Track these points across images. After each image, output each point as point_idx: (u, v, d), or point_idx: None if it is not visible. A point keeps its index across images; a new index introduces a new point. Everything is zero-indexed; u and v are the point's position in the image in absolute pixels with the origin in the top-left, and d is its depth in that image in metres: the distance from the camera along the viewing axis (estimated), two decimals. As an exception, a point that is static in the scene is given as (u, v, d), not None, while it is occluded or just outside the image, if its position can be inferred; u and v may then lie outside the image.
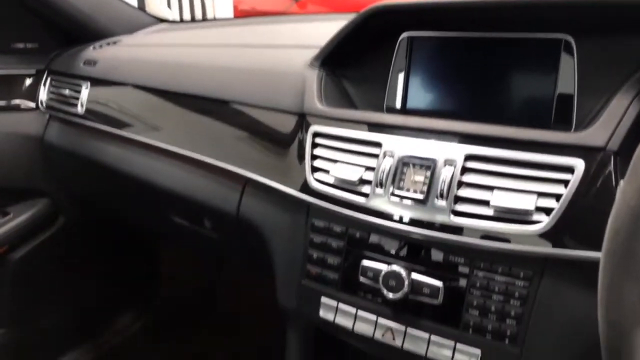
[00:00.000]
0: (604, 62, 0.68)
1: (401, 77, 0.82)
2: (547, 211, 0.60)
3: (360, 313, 0.72)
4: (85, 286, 1.49)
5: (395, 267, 0.68)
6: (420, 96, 0.81)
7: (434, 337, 0.67)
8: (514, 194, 0.62)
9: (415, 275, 0.67)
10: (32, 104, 1.27)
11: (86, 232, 1.43)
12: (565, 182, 0.60)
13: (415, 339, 0.68)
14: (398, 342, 0.69)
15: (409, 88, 0.82)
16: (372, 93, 0.85)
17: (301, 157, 0.80)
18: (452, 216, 0.65)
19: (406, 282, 0.67)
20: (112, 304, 1.61)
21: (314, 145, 0.79)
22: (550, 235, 0.60)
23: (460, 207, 0.65)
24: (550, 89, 0.70)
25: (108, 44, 1.26)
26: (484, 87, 0.76)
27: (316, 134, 0.79)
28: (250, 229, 0.88)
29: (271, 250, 0.85)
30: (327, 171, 0.76)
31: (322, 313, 0.76)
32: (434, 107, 0.79)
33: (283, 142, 0.85)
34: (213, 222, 0.98)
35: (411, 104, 0.81)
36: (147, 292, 1.68)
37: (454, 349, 0.65)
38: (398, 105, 0.82)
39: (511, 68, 0.73)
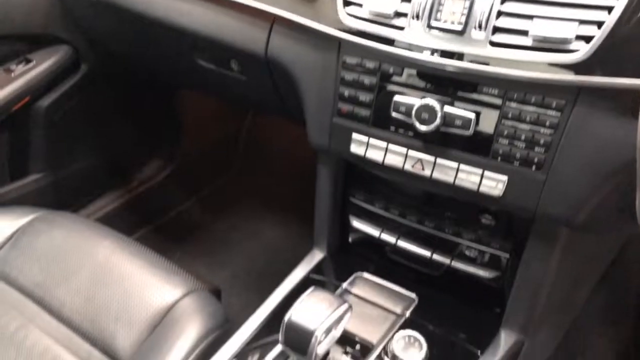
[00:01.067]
0: None
1: None
2: (587, 39, 0.60)
3: (391, 147, 0.75)
4: (113, 134, 1.54)
5: (428, 100, 0.70)
6: None
7: (462, 166, 0.70)
8: (555, 22, 0.62)
9: (448, 108, 0.69)
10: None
11: (109, 80, 1.43)
12: (609, 9, 0.59)
13: (445, 168, 0.72)
14: (427, 172, 0.73)
15: None
16: None
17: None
18: (489, 47, 0.65)
19: (439, 115, 0.69)
20: (140, 152, 1.67)
21: (347, -25, 0.76)
22: (588, 63, 0.60)
23: (498, 38, 0.65)
24: None
25: None
26: None
27: (350, -37, 0.76)
28: (279, 69, 0.89)
29: (301, 90, 0.86)
30: (360, 5, 0.75)
31: (354, 148, 0.79)
32: None
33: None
34: (240, 63, 0.99)
35: None
36: (172, 141, 1.73)
37: (482, 176, 0.69)
38: None
39: None
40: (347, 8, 0.76)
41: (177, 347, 0.82)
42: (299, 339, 0.66)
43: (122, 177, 1.63)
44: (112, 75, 1.43)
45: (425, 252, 0.83)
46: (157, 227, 1.66)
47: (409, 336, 0.73)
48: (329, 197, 0.90)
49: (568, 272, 0.74)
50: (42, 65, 1.28)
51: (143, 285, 0.92)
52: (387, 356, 0.72)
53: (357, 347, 0.75)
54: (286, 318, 0.67)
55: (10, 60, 1.25)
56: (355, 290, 0.84)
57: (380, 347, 0.74)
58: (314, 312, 0.67)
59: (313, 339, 0.65)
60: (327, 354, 0.71)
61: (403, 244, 0.85)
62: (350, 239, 0.94)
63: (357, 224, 0.90)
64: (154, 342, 0.85)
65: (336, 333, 0.69)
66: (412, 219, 0.83)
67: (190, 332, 0.84)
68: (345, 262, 0.92)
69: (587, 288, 0.84)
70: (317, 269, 0.90)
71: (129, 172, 1.65)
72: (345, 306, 0.69)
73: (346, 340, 0.74)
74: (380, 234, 0.87)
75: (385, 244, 0.87)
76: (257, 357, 0.74)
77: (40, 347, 0.88)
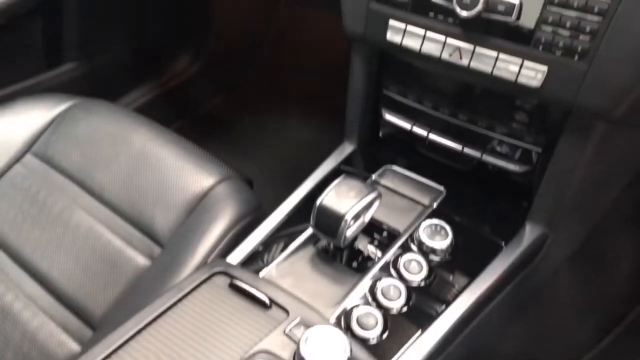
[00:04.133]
0: None
1: None
2: None
3: (429, 34, 0.73)
4: (145, 24, 1.53)
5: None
6: None
7: (502, 55, 0.68)
8: None
9: (491, -8, 0.66)
10: None
11: None
12: None
13: (483, 57, 0.69)
14: (465, 61, 0.71)
15: None
16: None
17: None
18: None
19: (481, -1, 0.66)
20: (170, 48, 1.66)
21: None
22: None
23: None
24: None
25: None
26: None
27: None
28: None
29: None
30: None
31: (390, 36, 0.77)
32: None
33: None
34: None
35: None
36: (201, 39, 1.71)
37: (521, 66, 0.67)
38: None
39: None
40: None
41: (212, 230, 0.86)
42: (329, 223, 0.68)
43: (155, 70, 1.63)
44: None
45: (457, 146, 0.83)
46: (186, 122, 1.68)
47: (436, 225, 0.75)
48: (362, 88, 0.89)
49: (599, 169, 0.73)
50: None
51: (179, 171, 0.96)
52: (414, 243, 0.75)
53: (385, 234, 0.77)
54: (317, 202, 0.69)
55: None
56: (384, 181, 0.85)
57: (407, 234, 0.76)
58: (345, 197, 0.69)
59: (343, 223, 0.67)
60: (355, 239, 0.74)
61: (435, 137, 0.84)
62: (381, 133, 0.94)
63: (389, 116, 0.89)
64: (190, 224, 0.90)
65: (365, 219, 0.72)
66: (444, 111, 0.82)
67: (224, 216, 0.88)
68: (376, 154, 0.92)
69: (616, 188, 0.83)
70: (348, 160, 0.91)
71: (161, 65, 1.65)
72: (374, 194, 0.71)
73: (374, 227, 0.77)
74: (412, 127, 0.86)
75: (417, 137, 0.86)
76: (286, 242, 0.77)
77: (85, 226, 0.93)
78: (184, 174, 0.95)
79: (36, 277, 0.89)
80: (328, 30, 0.87)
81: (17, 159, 1.06)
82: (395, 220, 0.78)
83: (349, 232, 0.69)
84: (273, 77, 1.83)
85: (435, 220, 0.76)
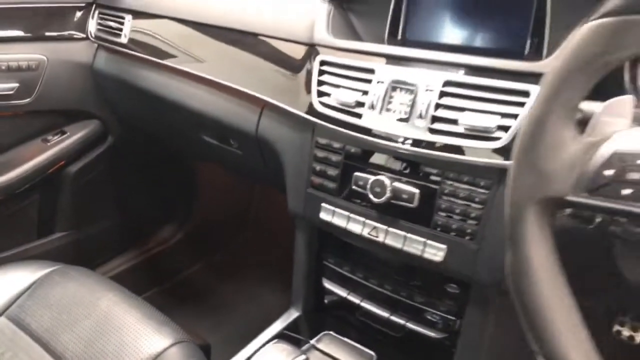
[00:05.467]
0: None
1: (404, 9, 0.91)
2: (506, 129, 0.71)
3: (352, 215, 0.86)
4: (132, 198, 1.70)
5: (380, 177, 0.81)
6: (418, 28, 0.90)
7: (409, 235, 0.80)
8: (481, 114, 0.73)
9: (396, 184, 0.80)
10: (83, 35, 1.42)
11: (133, 151, 1.61)
12: (522, 104, 0.70)
13: (395, 235, 0.81)
14: (381, 239, 0.83)
15: (408, 20, 0.91)
16: (375, 25, 0.95)
17: (309, 83, 0.92)
18: (429, 133, 0.77)
19: (388, 189, 0.80)
20: (156, 216, 1.82)
21: (321, 72, 0.91)
22: (508, 149, 0.71)
23: (436, 126, 0.76)
24: (526, 26, 0.79)
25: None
26: (472, 20, 0.85)
27: (323, 62, 0.91)
28: (267, 146, 1.02)
29: (284, 163, 0.99)
30: (329, 95, 0.88)
31: (323, 215, 0.90)
32: (428, 38, 0.89)
33: (295, 69, 0.97)
34: (237, 140, 1.13)
35: (410, 35, 0.91)
36: (186, 208, 1.88)
37: (425, 244, 0.79)
38: (398, 36, 0.92)
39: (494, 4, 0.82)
40: (320, 98, 0.90)
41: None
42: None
43: (139, 239, 1.77)
44: (135, 146, 1.60)
45: (384, 313, 0.91)
46: (165, 288, 1.77)
47: (361, 388, 0.81)
48: (305, 259, 1.00)
49: (504, 338, 0.81)
50: (74, 136, 1.46)
51: (136, 335, 1.02)
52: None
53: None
54: (247, 364, 0.76)
55: (48, 132, 1.44)
56: (321, 346, 0.92)
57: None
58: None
59: (268, 384, 0.73)
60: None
61: (366, 305, 0.93)
62: (326, 300, 1.03)
63: (328, 285, 0.99)
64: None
65: (293, 381, 0.77)
66: (373, 282, 0.92)
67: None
68: (319, 321, 1.00)
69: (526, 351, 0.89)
70: (293, 326, 0.99)
71: (145, 234, 1.79)
72: (302, 357, 0.78)
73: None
74: (347, 295, 0.95)
75: (352, 305, 0.95)
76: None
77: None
78: (140, 337, 1.01)
79: None
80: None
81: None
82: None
83: (277, 394, 0.75)
84: (252, 249, 1.96)
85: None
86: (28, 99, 1.37)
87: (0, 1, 1.29)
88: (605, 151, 0.46)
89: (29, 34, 1.35)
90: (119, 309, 1.09)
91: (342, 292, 0.97)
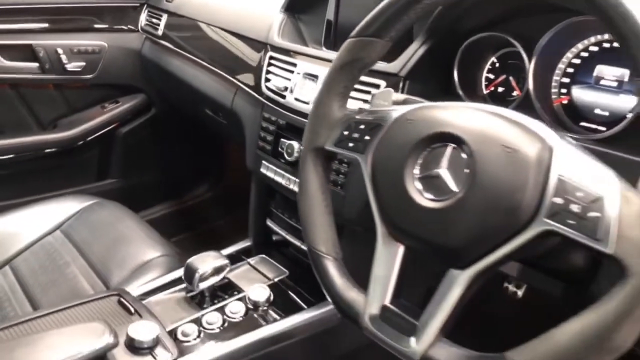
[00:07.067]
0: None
1: (333, 21, 1.22)
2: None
3: (277, 169, 1.19)
4: (172, 159, 2.12)
5: (292, 142, 1.13)
6: (342, 35, 1.21)
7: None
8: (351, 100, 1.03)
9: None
10: (135, 27, 1.86)
11: (172, 120, 2.03)
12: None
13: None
14: (292, 187, 1.15)
15: (337, 29, 1.22)
16: (318, 31, 1.27)
17: (261, 72, 1.26)
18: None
19: (296, 151, 1.12)
20: (192, 176, 2.24)
21: (269, 64, 1.24)
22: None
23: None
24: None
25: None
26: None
27: (271, 57, 1.24)
28: (237, 117, 1.38)
29: (245, 131, 1.33)
30: (270, 80, 1.22)
31: (262, 170, 1.24)
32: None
33: (256, 61, 1.31)
34: (222, 113, 1.50)
35: (339, 39, 1.22)
36: (218, 172, 2.28)
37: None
38: (330, 39, 1.24)
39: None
40: (266, 83, 1.23)
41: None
42: (189, 275, 1.10)
43: (176, 192, 2.20)
44: (173, 116, 2.02)
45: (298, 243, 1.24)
46: (192, 235, 2.18)
47: (262, 287, 1.14)
48: (256, 204, 1.34)
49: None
50: (125, 105, 1.91)
51: (137, 248, 1.42)
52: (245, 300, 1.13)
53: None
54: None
55: (105, 101, 1.90)
56: (252, 261, 1.26)
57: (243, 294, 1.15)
58: (206, 261, 1.11)
59: (197, 275, 1.09)
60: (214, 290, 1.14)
61: (296, 242, 1.26)
62: (273, 238, 1.37)
63: (271, 224, 1.33)
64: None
65: (217, 277, 1.12)
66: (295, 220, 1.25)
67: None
68: (266, 252, 1.34)
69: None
70: (243, 252, 1.34)
71: (181, 189, 2.21)
72: (224, 261, 1.12)
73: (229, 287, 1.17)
74: (286, 235, 1.28)
75: (287, 242, 1.28)
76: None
77: (71, 273, 1.40)
78: (140, 249, 1.41)
79: (32, 303, 1.35)
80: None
81: (50, 233, 1.58)
82: (242, 284, 1.18)
83: (203, 284, 1.10)
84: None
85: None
86: (91, 75, 1.82)
87: (75, 2, 1.75)
88: None
89: (94, 26, 1.81)
90: (132, 231, 1.50)
91: (281, 232, 1.30)
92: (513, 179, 0.58)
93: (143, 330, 0.95)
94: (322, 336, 1.12)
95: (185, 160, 2.17)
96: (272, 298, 1.12)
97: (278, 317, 1.09)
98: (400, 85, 0.97)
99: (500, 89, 0.98)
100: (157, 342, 0.95)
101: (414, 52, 0.97)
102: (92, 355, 0.87)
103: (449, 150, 0.64)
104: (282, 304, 1.13)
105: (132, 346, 0.94)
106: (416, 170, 0.66)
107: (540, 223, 0.56)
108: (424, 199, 0.65)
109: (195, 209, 2.23)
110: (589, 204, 0.54)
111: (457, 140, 0.63)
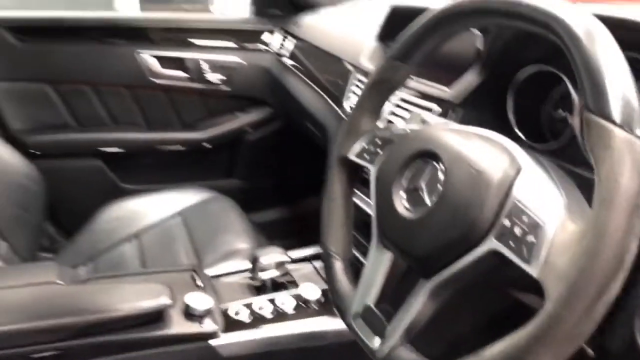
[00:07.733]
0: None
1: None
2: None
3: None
4: (290, 170, 2.32)
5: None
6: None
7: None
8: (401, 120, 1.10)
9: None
10: (267, 48, 2.10)
11: (292, 133, 2.22)
12: None
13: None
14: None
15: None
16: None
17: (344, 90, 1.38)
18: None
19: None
20: (305, 185, 2.40)
21: (353, 84, 1.35)
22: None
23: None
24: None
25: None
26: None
27: (357, 79, 1.35)
28: (326, 131, 1.50)
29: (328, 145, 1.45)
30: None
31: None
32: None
33: (345, 81, 1.43)
34: (316, 127, 1.64)
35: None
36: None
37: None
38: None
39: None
40: (346, 101, 1.34)
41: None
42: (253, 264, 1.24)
43: (289, 200, 2.38)
44: (292, 129, 2.22)
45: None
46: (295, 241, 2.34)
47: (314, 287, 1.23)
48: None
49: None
50: (254, 115, 2.16)
51: (234, 237, 1.61)
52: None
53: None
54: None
55: (238, 110, 2.16)
56: (317, 264, 1.36)
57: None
58: (269, 255, 1.25)
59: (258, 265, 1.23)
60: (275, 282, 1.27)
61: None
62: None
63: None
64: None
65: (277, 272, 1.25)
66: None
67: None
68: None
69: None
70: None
71: (295, 198, 2.39)
72: (286, 258, 1.25)
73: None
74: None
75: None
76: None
77: (176, 253, 1.64)
78: (235, 238, 1.60)
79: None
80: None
81: (172, 217, 1.86)
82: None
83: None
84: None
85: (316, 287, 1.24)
86: (228, 87, 2.09)
87: (221, 24, 2.04)
88: None
89: (235, 46, 2.08)
90: (234, 224, 1.71)
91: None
92: (474, 198, 0.62)
93: (199, 300, 1.11)
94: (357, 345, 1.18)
95: (303, 172, 2.35)
96: (323, 300, 1.21)
97: (321, 317, 1.18)
98: (451, 111, 1.01)
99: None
100: (207, 312, 1.10)
101: (470, 80, 1.00)
102: (150, 310, 1.06)
103: (430, 166, 0.69)
104: (332, 307, 1.21)
105: (187, 312, 1.10)
106: (404, 182, 0.72)
107: (489, 242, 0.59)
108: (404, 210, 0.70)
109: (304, 218, 2.39)
110: (529, 229, 0.56)
111: (435, 158, 0.68)
